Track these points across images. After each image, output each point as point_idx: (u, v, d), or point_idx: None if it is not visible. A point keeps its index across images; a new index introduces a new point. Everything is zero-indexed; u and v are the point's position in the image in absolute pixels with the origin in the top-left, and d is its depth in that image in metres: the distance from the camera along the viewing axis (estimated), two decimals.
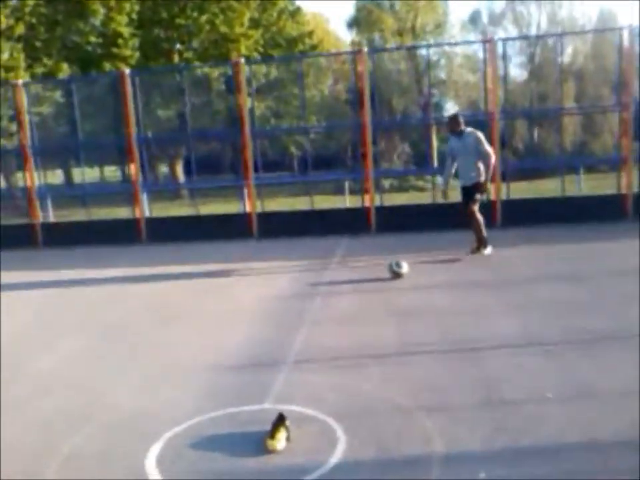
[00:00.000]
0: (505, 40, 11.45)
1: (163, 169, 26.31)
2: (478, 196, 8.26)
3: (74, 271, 9.25)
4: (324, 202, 12.06)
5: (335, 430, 3.83)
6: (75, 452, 3.84)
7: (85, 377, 5.12)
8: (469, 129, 8.29)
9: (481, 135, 8.21)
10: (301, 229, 10.44)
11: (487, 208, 8.94)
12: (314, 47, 26.06)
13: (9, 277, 9.25)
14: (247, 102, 11.16)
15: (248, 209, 10.92)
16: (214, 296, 7.48)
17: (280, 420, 3.81)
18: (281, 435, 3.74)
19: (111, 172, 31.18)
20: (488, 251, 8.30)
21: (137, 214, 11.34)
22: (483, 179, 8.20)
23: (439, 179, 8.80)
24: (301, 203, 13.19)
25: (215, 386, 4.73)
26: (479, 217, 8.27)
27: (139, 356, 5.56)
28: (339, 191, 15.74)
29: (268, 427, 3.80)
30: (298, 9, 27.53)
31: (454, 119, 8.39)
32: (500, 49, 10.91)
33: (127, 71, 11.90)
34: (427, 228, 9.85)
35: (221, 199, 14.89)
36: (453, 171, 8.48)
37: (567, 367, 4.50)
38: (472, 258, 8.24)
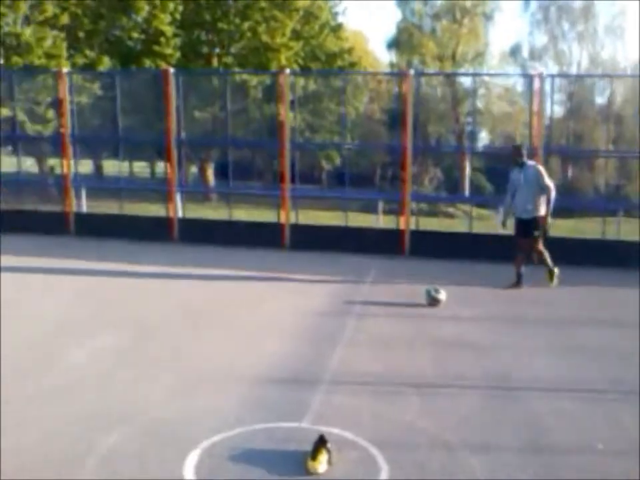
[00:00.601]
0: (553, 76, 11.37)
1: (192, 170, 26.40)
2: (537, 233, 8.14)
3: (107, 264, 9.21)
4: (354, 220, 11.98)
5: (377, 458, 3.74)
6: (113, 452, 3.79)
7: (118, 375, 5.07)
8: (531, 162, 8.30)
9: (542, 168, 8.19)
10: (332, 244, 10.32)
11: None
12: (353, 64, 25.98)
13: (43, 262, 9.24)
14: (288, 113, 11.12)
15: (282, 219, 10.87)
16: (248, 304, 7.40)
17: (321, 441, 3.73)
18: (323, 457, 3.66)
19: (140, 168, 31.32)
20: (555, 282, 8.30)
21: (171, 213, 11.31)
22: (541, 213, 8.11)
23: (499, 214, 8.64)
24: (328, 218, 13.11)
25: (252, 398, 4.66)
26: (541, 248, 8.20)
27: (174, 358, 5.50)
28: (367, 209, 15.64)
29: (307, 447, 3.73)
30: (340, 25, 27.50)
31: (517, 149, 8.30)
32: (547, 85, 10.82)
33: (171, 69, 11.89)
34: (462, 256, 9.71)
35: (250, 205, 14.85)
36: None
37: (613, 417, 4.38)
38: (508, 291, 8.11)
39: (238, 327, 6.48)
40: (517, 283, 8.21)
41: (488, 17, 32.46)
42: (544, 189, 8.01)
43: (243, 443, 3.92)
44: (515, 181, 8.18)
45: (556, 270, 8.28)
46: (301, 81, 21.20)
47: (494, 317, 7.07)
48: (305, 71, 23.46)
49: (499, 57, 32.63)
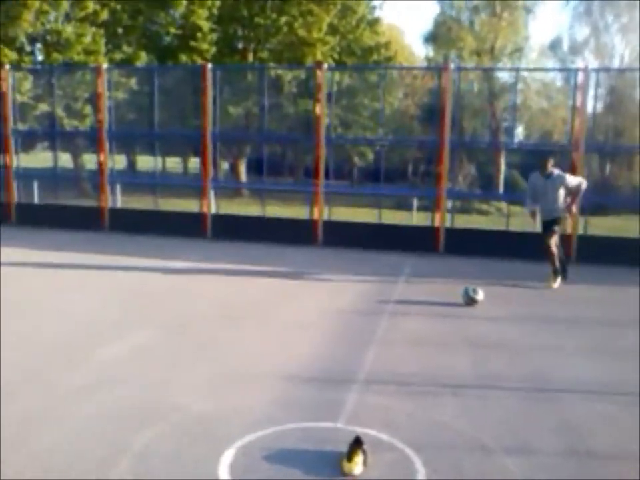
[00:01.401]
0: (597, 70, 11.06)
1: (224, 166, 26.54)
2: (556, 228, 8.22)
3: (140, 260, 9.30)
4: (386, 217, 11.87)
5: (414, 461, 3.68)
6: (146, 451, 3.79)
7: (151, 372, 5.08)
8: (557, 172, 8.24)
9: (568, 176, 8.22)
10: (366, 241, 10.27)
11: (563, 242, 8.71)
12: (389, 59, 25.84)
13: (80, 258, 9.36)
14: (324, 109, 11.03)
15: (315, 215, 10.82)
16: (280, 302, 7.39)
17: (357, 443, 3.69)
18: (358, 458, 3.62)
19: (173, 164, 31.57)
20: (557, 284, 8.21)
21: (204, 209, 11.35)
22: (563, 213, 8.30)
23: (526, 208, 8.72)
24: (360, 215, 13.00)
25: (285, 396, 4.63)
26: (554, 249, 8.16)
27: (207, 355, 5.51)
28: (400, 205, 15.52)
29: (342, 448, 3.69)
30: (377, 19, 27.34)
31: (546, 162, 8.26)
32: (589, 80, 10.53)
33: (209, 65, 11.89)
34: (498, 254, 9.55)
35: (281, 202, 14.84)
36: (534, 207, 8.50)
37: None
38: (546, 291, 7.99)
39: (270, 324, 6.47)
40: (554, 277, 8.16)
41: (528, 10, 31.69)
42: (575, 190, 8.12)
43: (277, 443, 3.89)
44: (540, 187, 8.21)
45: (558, 274, 8.21)
46: (336, 76, 21.16)
47: (532, 316, 6.94)
48: (340, 65, 23.35)
49: (538, 51, 31.82)
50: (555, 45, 32.21)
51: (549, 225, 8.26)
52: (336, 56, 24.55)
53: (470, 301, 7.05)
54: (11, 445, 3.82)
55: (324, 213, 10.89)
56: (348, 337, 6.09)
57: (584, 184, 8.23)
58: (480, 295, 7.07)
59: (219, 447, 3.79)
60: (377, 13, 28.44)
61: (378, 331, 6.21)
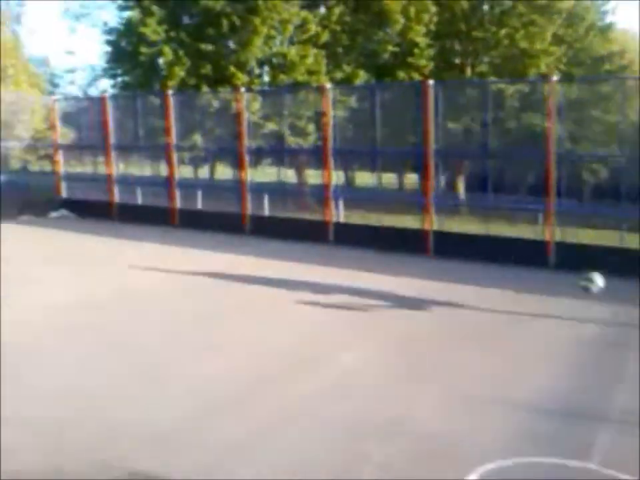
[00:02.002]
0: None
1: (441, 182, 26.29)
2: None
3: (367, 274, 9.27)
4: (630, 240, 10.64)
5: None
6: (387, 464, 3.79)
7: (382, 387, 5.12)
8: None
9: None
10: (607, 266, 8.97)
11: None
12: (623, 68, 23.80)
13: (311, 270, 9.61)
14: (555, 122, 10.40)
15: (546, 236, 10.13)
16: (511, 327, 6.98)
17: None
18: None
19: (386, 179, 32.00)
20: None
21: (426, 225, 11.22)
22: None
23: None
24: (594, 237, 11.82)
25: (526, 427, 4.38)
26: None
27: (437, 375, 5.41)
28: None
29: None
30: (609, 26, 25.22)
31: None
32: None
33: (430, 81, 11.80)
34: None
35: (503, 219, 14.17)
36: None
37: None
38: None
39: (501, 350, 6.16)
40: None
41: None
42: None
43: (521, 475, 3.68)
44: None
45: None
46: (565, 88, 19.95)
47: None
48: (567, 76, 22.02)
49: None
50: None
51: None
52: (562, 67, 23.15)
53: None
54: (252, 445, 4.03)
55: (556, 233, 10.15)
56: (594, 369, 5.60)
57: None
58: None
59: (462, 471, 3.67)
60: (609, 18, 26.00)
61: (628, 367, 5.60)
